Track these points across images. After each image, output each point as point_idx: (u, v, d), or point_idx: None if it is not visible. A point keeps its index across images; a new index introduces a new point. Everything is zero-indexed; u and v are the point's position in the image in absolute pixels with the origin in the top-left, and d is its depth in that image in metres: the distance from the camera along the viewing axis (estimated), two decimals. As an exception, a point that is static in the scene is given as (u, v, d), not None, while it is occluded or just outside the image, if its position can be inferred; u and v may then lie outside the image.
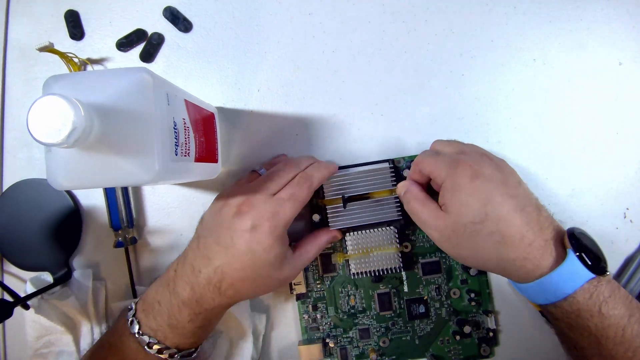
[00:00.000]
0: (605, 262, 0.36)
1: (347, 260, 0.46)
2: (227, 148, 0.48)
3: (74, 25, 0.49)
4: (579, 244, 0.35)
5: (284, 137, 0.48)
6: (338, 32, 0.48)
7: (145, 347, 0.38)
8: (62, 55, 0.46)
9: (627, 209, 0.47)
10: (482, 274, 0.47)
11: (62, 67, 0.48)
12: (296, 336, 0.48)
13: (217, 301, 0.38)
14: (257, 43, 0.49)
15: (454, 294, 0.47)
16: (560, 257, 0.35)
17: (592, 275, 0.34)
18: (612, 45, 0.47)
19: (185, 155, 0.35)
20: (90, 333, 0.47)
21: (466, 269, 0.47)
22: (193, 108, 0.39)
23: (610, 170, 0.47)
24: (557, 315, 0.36)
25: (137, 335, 0.38)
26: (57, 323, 0.45)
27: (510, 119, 0.47)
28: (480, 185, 0.37)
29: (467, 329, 0.46)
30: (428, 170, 0.40)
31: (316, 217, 0.46)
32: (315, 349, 0.46)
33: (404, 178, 0.46)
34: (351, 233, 0.46)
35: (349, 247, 0.46)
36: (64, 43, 0.49)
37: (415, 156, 0.45)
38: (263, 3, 0.49)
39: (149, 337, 0.38)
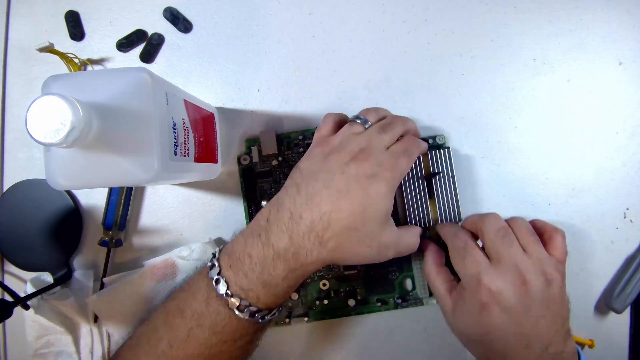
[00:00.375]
0: None
1: None
2: (227, 148, 0.48)
3: (74, 26, 0.49)
4: None
5: (284, 137, 0.48)
6: (338, 32, 0.48)
7: (236, 310, 0.34)
8: (62, 55, 0.46)
9: (627, 209, 0.47)
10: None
11: (62, 68, 0.48)
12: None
13: (316, 254, 0.34)
14: (257, 43, 0.49)
15: None
16: None
17: None
18: (612, 45, 0.47)
19: (184, 155, 0.35)
20: (89, 334, 0.47)
21: None
22: (192, 108, 0.39)
23: (610, 170, 0.47)
24: None
25: (226, 297, 0.34)
26: (57, 323, 0.45)
27: (510, 119, 0.47)
28: (495, 318, 0.35)
29: None
30: (482, 236, 0.38)
31: None
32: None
33: None
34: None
35: None
36: (64, 43, 0.49)
37: None
38: (263, 3, 0.49)
39: (240, 298, 0.34)
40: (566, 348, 0.35)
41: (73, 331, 0.46)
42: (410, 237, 0.40)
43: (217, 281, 0.34)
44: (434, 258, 0.42)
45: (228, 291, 0.34)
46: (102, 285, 0.47)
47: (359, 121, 0.39)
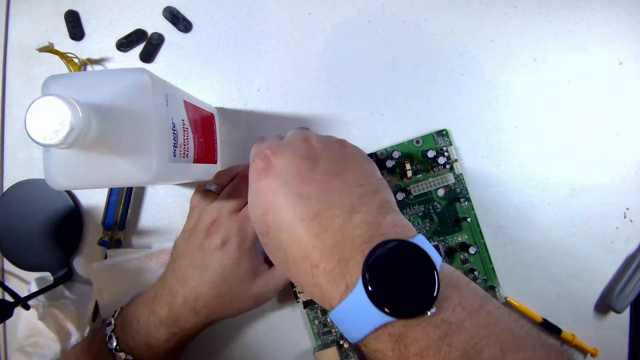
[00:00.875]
0: (425, 296, 0.24)
1: None
2: (227, 148, 0.48)
3: (74, 25, 0.49)
4: (375, 268, 0.24)
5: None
6: (338, 32, 0.48)
7: None
8: (62, 55, 0.46)
9: (627, 209, 0.47)
10: (483, 251, 0.46)
11: (62, 67, 0.48)
12: (310, 344, 0.48)
13: (193, 320, 0.39)
14: (257, 43, 0.49)
15: None
16: (352, 287, 0.25)
17: (388, 319, 0.24)
18: (612, 45, 0.47)
19: (183, 157, 0.35)
20: None
21: (465, 248, 0.46)
22: (192, 109, 0.39)
23: (610, 170, 0.47)
24: None
25: (114, 351, 0.39)
26: (51, 330, 0.45)
27: (510, 119, 0.47)
28: (266, 185, 0.30)
29: None
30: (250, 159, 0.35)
31: None
32: (332, 352, 0.46)
33: (389, 169, 0.46)
34: None
35: None
36: (64, 43, 0.49)
37: (395, 146, 0.47)
38: (263, 3, 0.49)
39: (126, 353, 0.39)
40: (383, 221, 0.27)
41: (64, 342, 0.46)
42: (277, 273, 0.42)
43: (110, 337, 0.40)
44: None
45: (117, 347, 0.39)
46: (106, 256, 0.48)
47: (212, 189, 0.43)
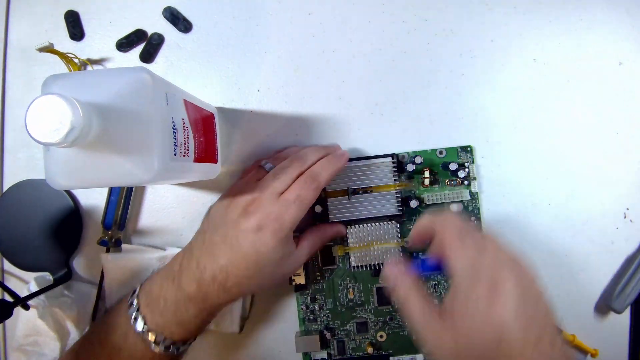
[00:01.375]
0: None
1: (348, 253, 0.47)
2: (227, 148, 0.48)
3: (74, 26, 0.49)
4: None
5: (284, 137, 0.48)
6: (338, 32, 0.48)
7: (152, 344, 0.38)
8: (62, 55, 0.46)
9: (627, 209, 0.47)
10: None
11: (62, 67, 0.48)
12: (294, 327, 0.48)
13: (222, 298, 0.38)
14: (257, 43, 0.49)
15: None
16: None
17: None
18: (612, 45, 0.47)
19: (184, 156, 0.35)
20: None
21: None
22: (192, 108, 0.39)
23: (610, 170, 0.47)
24: None
25: (142, 333, 0.37)
26: (51, 328, 0.45)
27: (510, 119, 0.47)
28: (502, 307, 0.29)
29: None
30: (446, 246, 0.33)
31: (318, 209, 0.46)
32: (312, 340, 0.46)
33: (408, 172, 0.46)
34: (352, 226, 0.46)
35: (350, 240, 0.46)
36: (64, 43, 0.49)
37: (418, 152, 0.46)
38: (263, 3, 0.49)
39: (157, 333, 0.38)
40: (562, 340, 0.32)
41: (64, 341, 0.46)
42: (314, 246, 0.43)
43: (135, 318, 0.38)
44: (412, 280, 0.36)
45: (145, 327, 0.38)
46: (99, 293, 0.48)
47: (266, 167, 0.42)
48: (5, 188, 0.49)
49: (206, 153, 0.42)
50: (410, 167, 0.46)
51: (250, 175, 0.43)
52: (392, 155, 0.46)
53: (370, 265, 0.46)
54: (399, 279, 0.35)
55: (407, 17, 0.48)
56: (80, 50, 0.49)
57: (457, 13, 0.48)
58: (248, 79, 0.49)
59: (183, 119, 0.36)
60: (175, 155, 0.33)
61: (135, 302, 0.39)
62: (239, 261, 0.37)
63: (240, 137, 0.48)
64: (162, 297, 0.38)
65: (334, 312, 0.47)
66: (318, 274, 0.47)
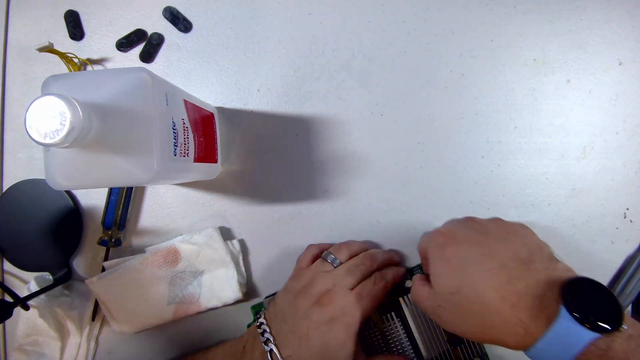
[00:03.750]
0: (616, 315, 0.29)
1: None
2: (227, 148, 0.48)
3: (74, 25, 0.49)
4: (573, 298, 0.29)
5: (284, 137, 0.48)
6: (338, 32, 0.48)
7: None
8: (62, 55, 0.46)
9: (627, 209, 0.47)
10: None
11: (62, 67, 0.48)
12: None
13: None
14: (257, 43, 0.49)
15: None
16: (554, 316, 0.30)
17: (595, 335, 0.28)
18: (612, 45, 0.47)
19: (184, 156, 0.35)
20: (76, 347, 0.47)
21: None
22: (192, 108, 0.39)
23: (610, 170, 0.47)
24: None
25: None
26: (51, 327, 0.45)
27: (510, 119, 0.47)
28: (452, 252, 0.35)
29: None
30: (420, 250, 0.41)
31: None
32: None
33: None
34: None
35: None
36: (64, 43, 0.49)
37: None
38: (263, 3, 0.49)
39: None
40: (557, 266, 0.33)
41: (63, 340, 0.46)
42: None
43: None
44: (416, 279, 0.41)
45: None
46: (103, 269, 0.48)
47: (329, 260, 0.43)
48: (5, 188, 0.49)
49: (206, 153, 0.42)
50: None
51: (316, 265, 0.43)
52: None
53: None
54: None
55: (407, 17, 0.48)
56: (80, 50, 0.49)
57: (457, 13, 0.47)
58: (248, 79, 0.49)
59: (183, 119, 0.36)
60: (175, 155, 0.33)
61: None
62: (305, 352, 0.37)
63: (240, 137, 0.48)
64: None
65: None
66: None
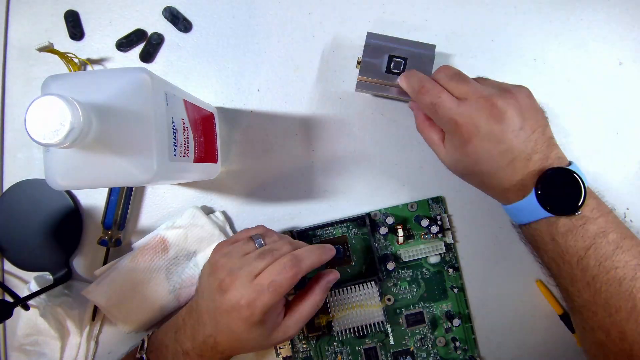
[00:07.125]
0: (572, 204, 0.36)
1: (330, 321, 0.46)
2: (227, 148, 0.48)
3: (74, 25, 0.49)
4: (545, 184, 0.36)
5: (284, 137, 0.48)
6: (338, 32, 0.48)
7: None
8: (62, 55, 0.46)
9: (627, 209, 0.47)
10: (465, 321, 0.47)
11: (62, 67, 0.48)
12: None
13: (217, 357, 0.40)
14: (257, 43, 0.49)
15: (440, 342, 0.47)
16: (528, 194, 0.37)
17: (546, 214, 0.37)
18: (612, 45, 0.47)
19: (184, 156, 0.35)
20: (76, 347, 0.47)
21: (449, 318, 0.47)
22: (192, 108, 0.39)
23: (610, 170, 0.47)
24: (526, 236, 0.41)
25: None
26: (52, 327, 0.45)
27: (510, 119, 0.47)
28: (473, 149, 0.38)
29: None
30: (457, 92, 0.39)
31: None
32: None
33: (383, 235, 0.47)
34: (332, 292, 0.46)
35: (331, 308, 0.46)
36: (64, 43, 0.49)
37: (389, 209, 0.47)
38: (263, 3, 0.49)
39: None
40: (550, 154, 0.38)
41: (64, 339, 0.46)
42: (304, 313, 0.41)
43: (141, 359, 0.41)
44: (423, 115, 0.42)
45: None
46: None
47: (256, 242, 0.40)
48: (5, 188, 0.49)
49: (206, 153, 0.42)
50: (383, 231, 0.47)
51: (239, 244, 0.40)
52: (365, 216, 0.46)
53: (354, 328, 0.46)
54: (415, 112, 0.43)
55: (407, 17, 0.48)
56: (80, 50, 0.49)
57: (457, 13, 0.48)
58: (248, 79, 0.49)
59: (183, 119, 0.36)
60: (175, 155, 0.33)
61: (145, 345, 0.42)
62: (221, 333, 0.38)
63: (240, 137, 0.48)
64: (164, 346, 0.41)
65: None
66: (304, 342, 0.47)
